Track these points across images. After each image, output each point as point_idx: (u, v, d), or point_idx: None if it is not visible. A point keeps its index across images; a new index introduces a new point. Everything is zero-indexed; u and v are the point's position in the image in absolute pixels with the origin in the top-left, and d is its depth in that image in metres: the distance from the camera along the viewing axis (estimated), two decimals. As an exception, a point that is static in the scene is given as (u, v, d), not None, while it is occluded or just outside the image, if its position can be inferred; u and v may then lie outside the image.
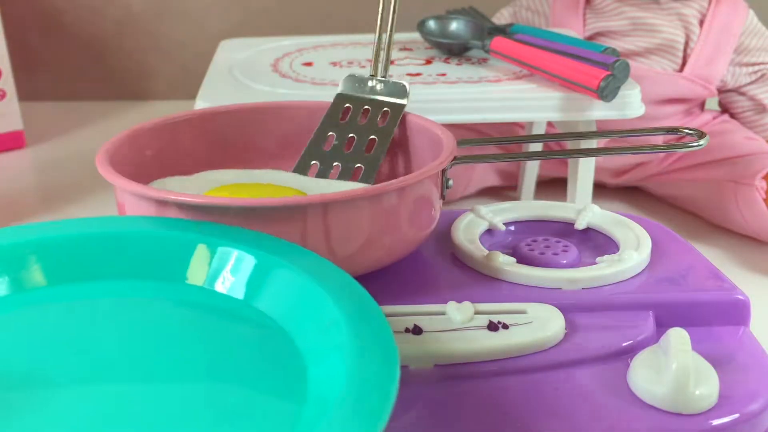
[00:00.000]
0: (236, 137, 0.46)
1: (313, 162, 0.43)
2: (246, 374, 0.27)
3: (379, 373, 0.24)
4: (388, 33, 0.44)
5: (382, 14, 0.44)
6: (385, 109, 0.43)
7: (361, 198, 0.34)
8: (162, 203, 0.34)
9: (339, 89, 0.45)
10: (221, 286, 0.32)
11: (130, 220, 0.35)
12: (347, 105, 0.44)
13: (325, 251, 0.34)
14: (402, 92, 0.44)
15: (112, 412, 0.25)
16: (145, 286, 0.33)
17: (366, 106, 0.44)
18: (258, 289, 0.31)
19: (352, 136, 0.43)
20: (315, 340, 0.28)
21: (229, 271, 0.32)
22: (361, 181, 0.42)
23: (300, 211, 0.33)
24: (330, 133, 0.44)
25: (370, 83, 0.44)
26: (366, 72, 0.46)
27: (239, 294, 0.32)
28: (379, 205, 0.35)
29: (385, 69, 0.44)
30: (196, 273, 0.33)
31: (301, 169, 0.43)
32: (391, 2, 0.44)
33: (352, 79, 0.45)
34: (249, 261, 0.32)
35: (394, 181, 0.35)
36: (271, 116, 0.46)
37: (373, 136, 0.43)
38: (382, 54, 0.44)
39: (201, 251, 0.33)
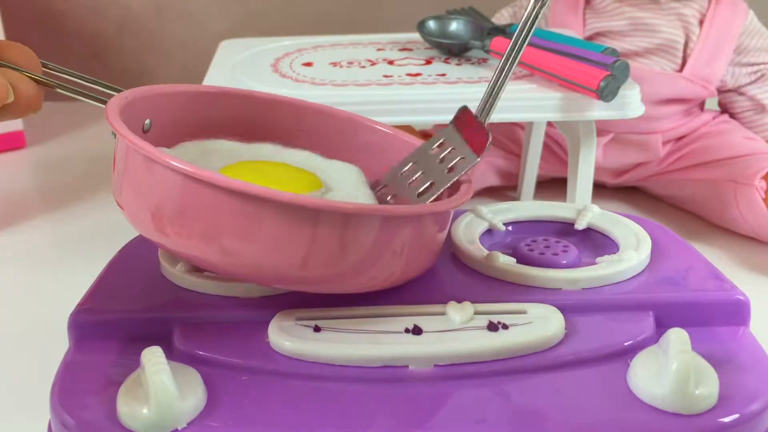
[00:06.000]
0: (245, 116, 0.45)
1: (386, 185, 0.42)
2: None
3: None
4: (503, 77, 0.40)
5: (511, 54, 0.40)
6: (462, 157, 0.40)
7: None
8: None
9: (456, 114, 0.42)
10: None
11: None
12: (446, 138, 0.41)
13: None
14: (480, 147, 0.39)
15: None
16: None
17: (452, 147, 0.41)
18: None
19: (422, 174, 0.41)
20: None
21: None
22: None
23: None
24: (414, 163, 0.41)
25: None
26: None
27: None
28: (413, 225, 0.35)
29: (487, 113, 0.40)
30: None
31: (377, 185, 0.42)
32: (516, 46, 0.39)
33: (467, 112, 0.41)
34: None
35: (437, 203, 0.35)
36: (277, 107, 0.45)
37: (432, 181, 0.40)
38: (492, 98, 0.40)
39: None
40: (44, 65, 0.39)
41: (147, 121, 0.40)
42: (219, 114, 0.43)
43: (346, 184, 0.41)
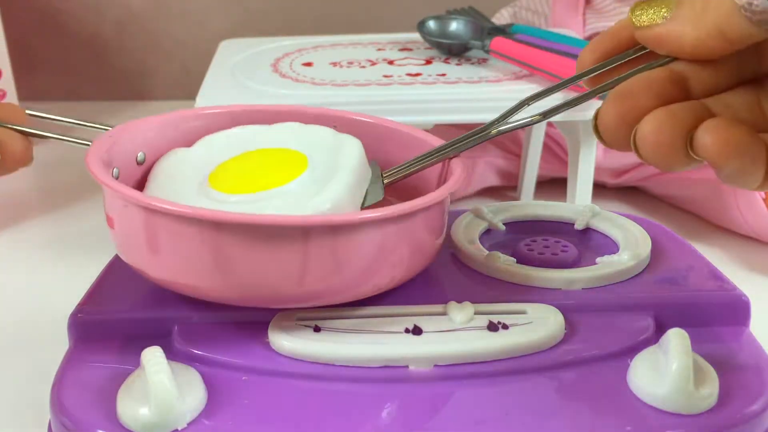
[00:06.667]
0: None
1: None
2: None
3: None
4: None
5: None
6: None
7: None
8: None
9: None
10: None
11: None
12: None
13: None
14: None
15: None
16: None
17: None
18: None
19: None
20: None
21: None
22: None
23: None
24: None
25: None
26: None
27: None
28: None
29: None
30: None
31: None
32: None
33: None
34: None
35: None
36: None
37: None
38: None
39: None
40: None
41: (140, 155, 0.40)
42: (214, 131, 0.43)
43: (323, 158, 0.40)
